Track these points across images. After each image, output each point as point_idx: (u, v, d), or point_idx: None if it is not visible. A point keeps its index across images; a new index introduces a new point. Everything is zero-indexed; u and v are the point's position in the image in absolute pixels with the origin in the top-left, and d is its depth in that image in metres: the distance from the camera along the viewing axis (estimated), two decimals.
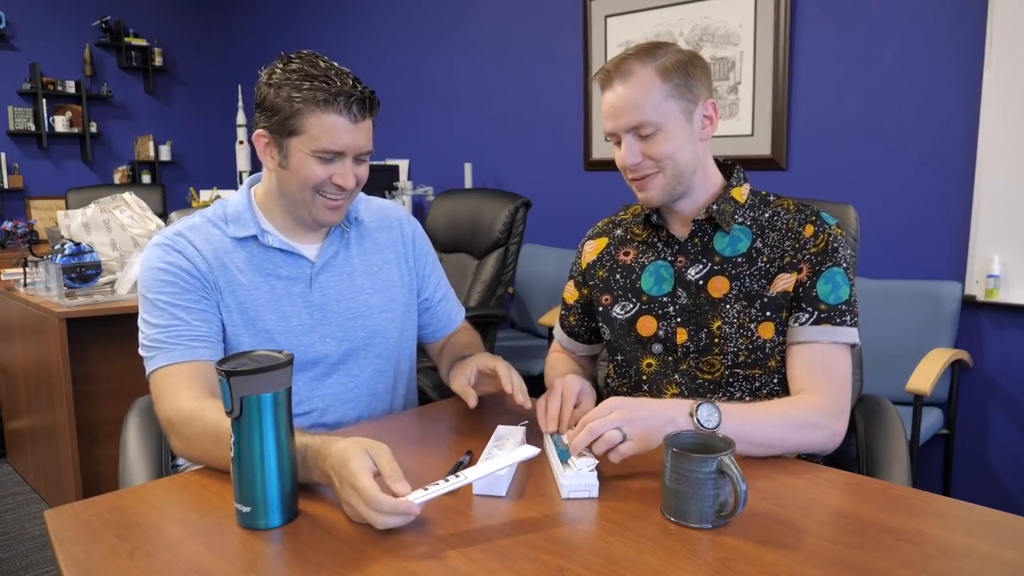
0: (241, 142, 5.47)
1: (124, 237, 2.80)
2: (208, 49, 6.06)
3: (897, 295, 2.49)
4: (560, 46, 3.61)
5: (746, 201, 1.26)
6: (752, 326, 1.20)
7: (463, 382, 1.26)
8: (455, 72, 4.15)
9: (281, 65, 1.19)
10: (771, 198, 1.27)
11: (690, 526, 0.86)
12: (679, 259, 1.26)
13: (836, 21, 2.70)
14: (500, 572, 0.77)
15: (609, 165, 3.45)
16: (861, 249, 2.28)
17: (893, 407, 1.33)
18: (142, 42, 5.62)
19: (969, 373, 2.51)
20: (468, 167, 4.01)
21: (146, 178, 5.69)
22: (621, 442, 0.98)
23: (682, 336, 1.24)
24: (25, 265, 2.78)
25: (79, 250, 2.61)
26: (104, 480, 2.55)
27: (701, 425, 1.01)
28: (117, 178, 5.60)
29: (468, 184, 4.01)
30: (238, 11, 5.79)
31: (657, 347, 1.27)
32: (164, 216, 3.85)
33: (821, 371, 1.15)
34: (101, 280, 2.67)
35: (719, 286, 1.22)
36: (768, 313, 1.20)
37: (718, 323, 1.22)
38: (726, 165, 1.31)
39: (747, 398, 1.21)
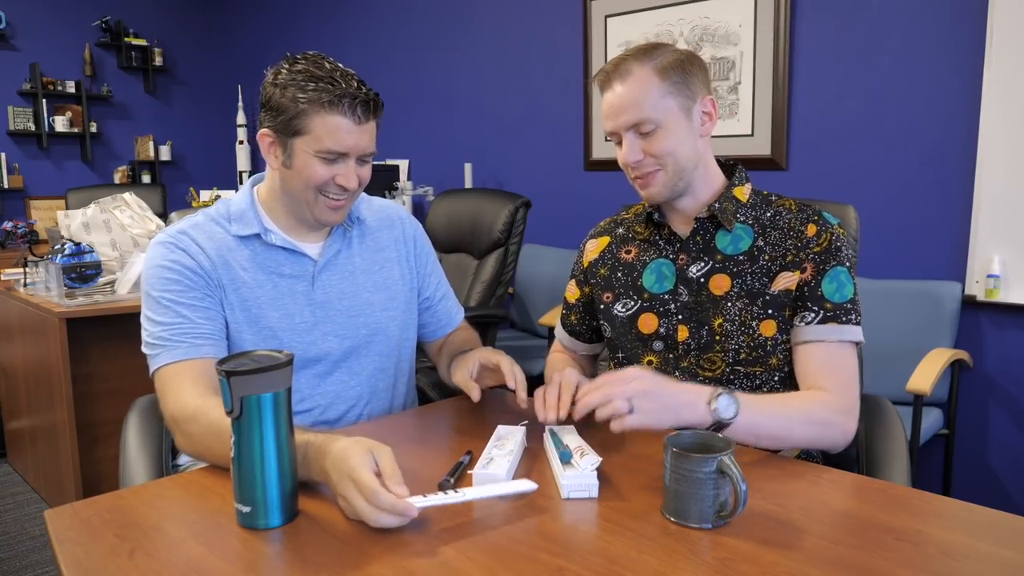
0: (241, 142, 5.48)
1: (124, 237, 2.80)
2: (208, 49, 6.06)
3: (897, 295, 2.49)
4: (560, 46, 3.61)
5: (748, 200, 1.26)
6: (754, 324, 1.20)
7: (465, 375, 1.26)
8: (455, 72, 4.15)
9: (287, 66, 1.20)
10: (773, 198, 1.28)
11: (690, 526, 0.86)
12: (681, 257, 1.26)
13: (836, 21, 2.70)
14: (500, 572, 0.77)
15: (609, 165, 3.45)
16: (861, 249, 2.28)
17: (893, 407, 1.33)
18: (142, 42, 5.62)
19: (969, 373, 2.51)
20: (468, 167, 4.01)
21: (146, 178, 5.69)
22: (628, 413, 0.98)
23: (683, 333, 1.24)
24: (25, 265, 2.78)
25: (79, 250, 2.61)
26: (104, 480, 2.55)
27: (719, 416, 1.01)
28: (117, 178, 5.60)
29: (468, 184, 4.01)
30: (238, 11, 5.79)
31: (658, 344, 1.27)
32: (164, 216, 3.85)
33: (830, 369, 1.16)
34: (101, 280, 2.67)
35: (720, 284, 1.23)
36: (770, 311, 1.20)
37: (719, 320, 1.22)
38: (728, 165, 1.32)
39: None
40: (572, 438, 1.08)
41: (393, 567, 0.79)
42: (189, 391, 1.12)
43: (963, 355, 2.39)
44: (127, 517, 0.92)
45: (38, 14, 5.25)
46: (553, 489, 0.97)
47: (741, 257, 1.23)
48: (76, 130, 5.38)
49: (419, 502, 0.86)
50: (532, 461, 1.07)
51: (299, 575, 0.78)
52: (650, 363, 1.28)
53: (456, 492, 0.89)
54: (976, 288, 2.43)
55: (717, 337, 1.22)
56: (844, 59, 2.69)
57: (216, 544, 0.84)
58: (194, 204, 4.15)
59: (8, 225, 4.50)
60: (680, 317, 1.25)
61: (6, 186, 5.12)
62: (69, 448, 2.46)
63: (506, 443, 1.07)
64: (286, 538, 0.86)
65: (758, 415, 1.06)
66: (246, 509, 0.88)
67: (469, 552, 0.81)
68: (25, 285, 2.74)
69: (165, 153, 5.78)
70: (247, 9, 5.69)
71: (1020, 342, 2.42)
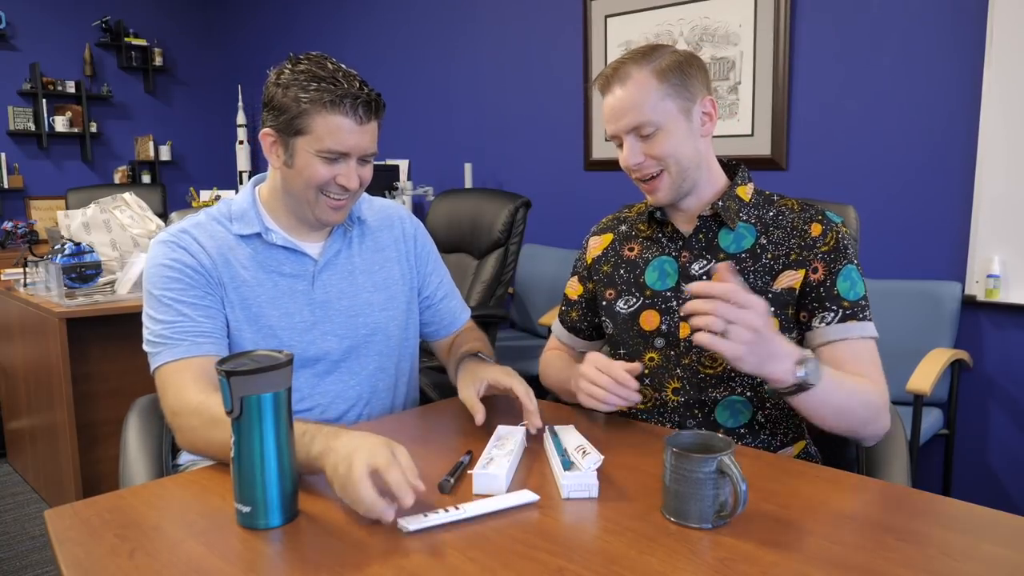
0: (241, 142, 5.48)
1: (124, 237, 2.80)
2: (208, 49, 6.06)
3: (897, 295, 2.49)
4: (560, 46, 3.61)
5: (751, 200, 1.27)
6: None
7: (472, 394, 1.22)
8: (455, 72, 4.15)
9: (290, 66, 1.21)
10: (775, 197, 1.29)
11: (690, 526, 0.86)
12: (683, 254, 1.27)
13: (836, 21, 2.70)
14: (500, 572, 0.77)
15: (609, 165, 3.45)
16: (861, 249, 2.28)
17: (893, 407, 1.32)
18: (142, 42, 5.62)
19: (969, 373, 2.51)
20: (468, 167, 4.01)
21: (146, 178, 5.69)
22: (720, 334, 0.97)
23: (685, 331, 1.25)
24: (25, 265, 2.78)
25: (79, 250, 2.61)
26: (104, 480, 2.54)
27: (805, 378, 1.02)
28: (117, 178, 5.60)
29: (468, 184, 4.01)
30: (238, 11, 5.79)
31: (659, 341, 1.27)
32: (164, 216, 3.85)
33: (864, 365, 1.16)
34: (101, 280, 2.67)
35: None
36: (773, 309, 1.21)
37: None
38: (731, 165, 1.32)
39: (748, 393, 1.22)
40: (573, 437, 1.08)
41: (393, 567, 0.79)
42: (191, 388, 1.12)
43: (963, 355, 2.39)
44: (127, 517, 0.92)
45: (38, 14, 5.25)
46: (553, 489, 0.97)
47: (744, 255, 1.24)
48: (76, 130, 5.38)
49: (418, 523, 0.86)
50: (532, 461, 1.07)
51: (299, 575, 0.78)
52: (651, 360, 1.28)
53: (456, 509, 0.89)
54: (976, 288, 2.43)
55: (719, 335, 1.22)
56: (844, 59, 2.69)
57: (216, 544, 0.84)
58: (194, 204, 4.15)
59: (8, 225, 4.50)
60: (682, 314, 1.25)
61: (6, 186, 5.12)
62: (69, 448, 2.46)
63: (506, 443, 1.07)
64: (286, 538, 0.86)
65: (835, 388, 1.07)
66: (246, 509, 0.88)
67: (469, 552, 0.81)
68: (25, 285, 2.74)
69: (165, 153, 5.78)
70: (247, 9, 5.69)
71: (1020, 342, 2.42)
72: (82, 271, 2.60)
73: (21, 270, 2.84)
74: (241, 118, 5.49)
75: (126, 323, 2.40)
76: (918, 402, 2.12)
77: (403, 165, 4.46)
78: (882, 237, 2.63)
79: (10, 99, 5.17)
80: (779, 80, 2.84)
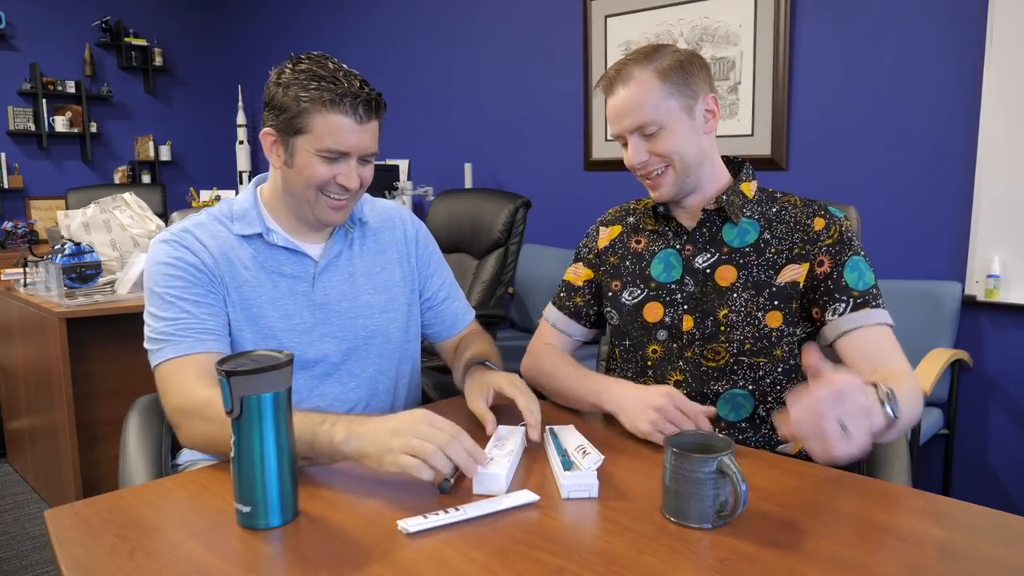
0: (241, 142, 5.48)
1: (124, 237, 2.80)
2: (208, 49, 6.06)
3: (897, 295, 2.49)
4: (560, 46, 3.61)
5: (754, 196, 1.29)
6: (759, 314, 1.22)
7: (481, 404, 1.22)
8: (455, 72, 4.15)
9: (290, 65, 1.21)
10: (778, 194, 1.30)
11: (690, 526, 0.86)
12: (687, 247, 1.28)
13: (836, 21, 2.70)
14: (500, 572, 0.77)
15: (609, 165, 3.45)
16: None
17: None
18: (142, 42, 5.62)
19: (969, 373, 2.51)
20: (468, 167, 4.01)
21: (146, 178, 5.69)
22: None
23: (688, 323, 1.26)
24: (25, 265, 2.78)
25: (79, 250, 2.61)
26: (104, 480, 2.54)
27: (896, 415, 0.91)
28: (117, 178, 5.60)
29: (468, 184, 4.01)
30: (238, 11, 5.79)
31: (662, 333, 1.28)
32: (164, 216, 3.85)
33: (889, 352, 1.15)
34: (101, 280, 2.67)
35: (726, 275, 1.25)
36: (776, 302, 1.22)
37: (724, 311, 1.23)
38: (735, 162, 1.34)
39: (750, 387, 1.23)
40: (573, 437, 1.08)
41: (393, 567, 0.79)
42: (195, 384, 1.12)
43: (963, 355, 2.39)
44: (127, 517, 0.92)
45: (38, 14, 5.25)
46: (553, 489, 0.97)
47: (747, 249, 1.25)
48: (76, 130, 5.38)
49: (418, 525, 0.86)
50: (532, 461, 1.07)
51: (299, 575, 0.78)
52: (654, 352, 1.29)
53: (457, 510, 0.89)
54: (976, 288, 2.43)
55: (722, 328, 1.23)
56: (844, 59, 2.69)
57: (216, 544, 0.84)
58: (194, 204, 4.15)
59: (8, 225, 4.50)
60: (686, 307, 1.27)
61: (6, 186, 5.12)
62: (69, 448, 2.46)
63: (506, 443, 1.07)
64: (286, 538, 0.86)
65: (909, 404, 0.98)
66: (246, 509, 0.88)
67: (469, 552, 0.81)
68: (25, 285, 2.74)
69: (165, 153, 5.78)
70: (247, 9, 5.69)
71: (1020, 342, 2.42)
72: (82, 271, 2.60)
73: (21, 270, 2.84)
74: (241, 118, 5.49)
75: (126, 323, 2.40)
76: None
77: (403, 165, 4.46)
78: (882, 237, 2.63)
79: (10, 99, 5.17)
80: (779, 80, 2.84)
